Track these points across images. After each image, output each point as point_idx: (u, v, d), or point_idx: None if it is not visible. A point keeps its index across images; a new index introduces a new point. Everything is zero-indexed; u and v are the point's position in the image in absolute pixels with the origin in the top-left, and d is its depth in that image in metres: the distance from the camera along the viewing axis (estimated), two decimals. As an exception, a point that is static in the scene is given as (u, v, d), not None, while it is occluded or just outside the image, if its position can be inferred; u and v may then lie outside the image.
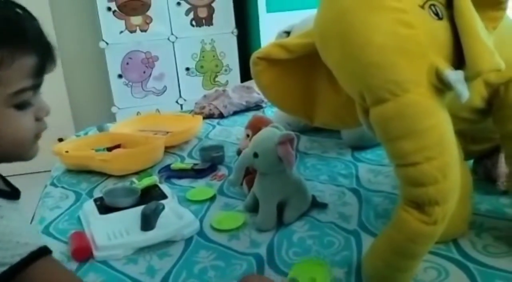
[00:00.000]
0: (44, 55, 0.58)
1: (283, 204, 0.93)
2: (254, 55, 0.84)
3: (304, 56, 0.82)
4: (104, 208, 1.00)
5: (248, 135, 1.08)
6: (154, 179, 1.14)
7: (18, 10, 0.56)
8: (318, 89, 0.87)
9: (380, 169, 1.16)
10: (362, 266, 0.75)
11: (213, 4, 2.79)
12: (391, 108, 0.62)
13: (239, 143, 1.13)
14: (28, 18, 0.57)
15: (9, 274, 0.55)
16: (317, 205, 0.98)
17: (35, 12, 0.58)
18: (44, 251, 0.59)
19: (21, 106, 0.57)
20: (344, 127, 1.12)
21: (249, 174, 1.03)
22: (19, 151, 0.61)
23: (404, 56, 0.63)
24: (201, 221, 0.96)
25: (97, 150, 1.38)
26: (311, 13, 1.36)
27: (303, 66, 0.85)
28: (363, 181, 1.10)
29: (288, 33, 1.31)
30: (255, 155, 0.90)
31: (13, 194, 0.63)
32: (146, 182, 1.11)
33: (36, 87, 0.59)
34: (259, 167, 0.92)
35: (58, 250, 0.89)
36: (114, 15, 2.69)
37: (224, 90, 1.93)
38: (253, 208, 0.97)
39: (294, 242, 0.86)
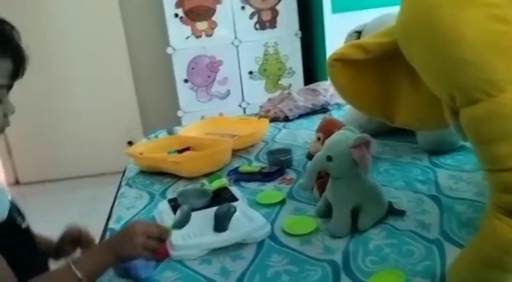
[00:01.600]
0: (19, 64, 0.74)
1: (358, 210, 0.90)
2: (331, 57, 0.82)
3: (381, 56, 0.79)
4: (178, 208, 1.01)
5: (319, 139, 1.06)
6: (224, 181, 1.15)
7: (7, 25, 0.73)
8: (397, 89, 0.83)
9: (461, 175, 1.09)
10: (447, 277, 0.71)
11: (277, 7, 2.80)
12: (485, 109, 0.58)
13: (309, 146, 1.11)
14: (13, 33, 0.74)
15: None
16: (394, 212, 0.93)
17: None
18: None
19: None
20: (426, 129, 1.07)
21: (320, 178, 1.01)
22: None
23: (499, 54, 0.58)
24: (272, 225, 0.96)
25: (168, 152, 1.42)
26: (382, 12, 1.32)
27: (380, 66, 0.83)
28: (443, 188, 1.03)
29: (359, 33, 1.27)
30: (329, 158, 0.88)
31: None
32: (217, 184, 1.12)
33: (8, 88, 0.74)
34: (332, 171, 0.90)
35: (136, 248, 0.92)
36: (181, 21, 2.77)
37: (289, 93, 1.91)
38: (325, 213, 0.95)
39: (371, 250, 0.83)
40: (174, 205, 1.03)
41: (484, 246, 0.63)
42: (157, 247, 0.77)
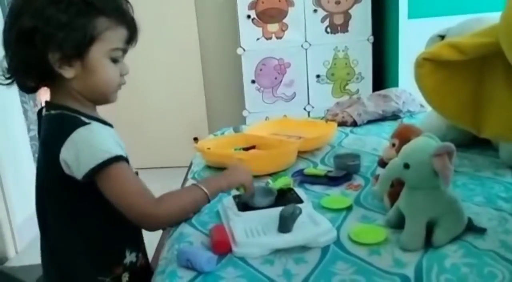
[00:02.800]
0: (133, 32, 0.89)
1: (433, 224, 0.84)
2: (420, 56, 0.77)
3: (476, 59, 0.73)
4: (242, 205, 1.01)
5: (393, 145, 1.01)
6: (289, 180, 1.13)
7: (126, 1, 0.88)
8: (492, 96, 0.77)
9: (552, 195, 0.99)
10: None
11: (350, 11, 2.74)
12: None
13: (383, 152, 1.06)
14: (128, 7, 0.88)
15: (91, 174, 0.79)
16: (473, 229, 0.86)
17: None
18: (120, 159, 0.80)
19: (114, 60, 0.87)
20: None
21: (392, 187, 0.95)
22: (106, 93, 0.89)
23: None
24: (337, 230, 0.92)
25: (234, 149, 1.42)
26: (461, 18, 1.24)
27: (474, 69, 0.76)
28: (531, 208, 0.94)
29: (442, 37, 1.20)
30: (406, 166, 0.83)
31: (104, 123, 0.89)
32: (282, 182, 1.10)
33: (124, 51, 0.89)
34: (408, 180, 0.84)
35: (199, 240, 0.93)
36: (253, 23, 2.79)
37: (358, 98, 1.86)
38: (396, 224, 0.89)
39: (446, 268, 0.77)
40: (239, 201, 1.03)
41: None
42: (252, 181, 1.02)
